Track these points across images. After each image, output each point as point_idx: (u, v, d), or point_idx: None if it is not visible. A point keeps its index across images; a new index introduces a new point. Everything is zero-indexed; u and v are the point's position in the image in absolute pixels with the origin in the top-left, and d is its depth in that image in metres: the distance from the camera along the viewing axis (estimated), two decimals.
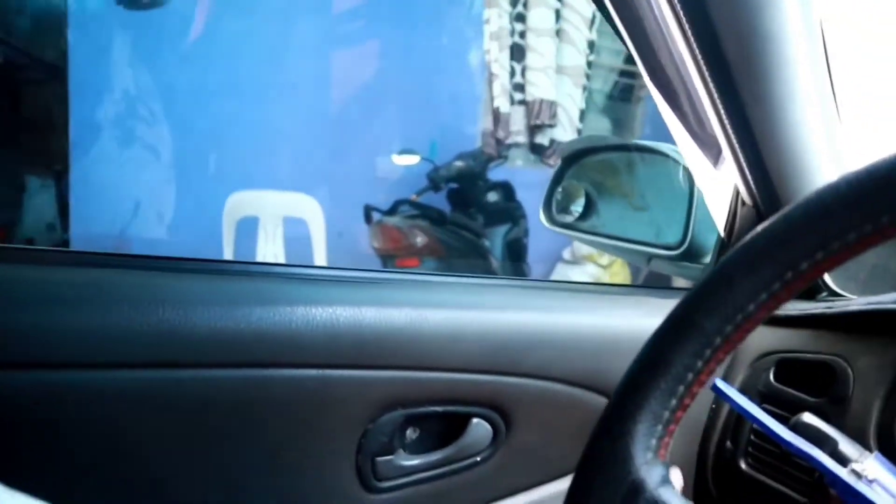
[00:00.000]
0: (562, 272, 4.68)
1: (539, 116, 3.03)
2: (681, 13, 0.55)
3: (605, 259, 4.00)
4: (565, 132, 3.30)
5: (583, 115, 3.16)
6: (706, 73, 0.60)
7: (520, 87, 3.14)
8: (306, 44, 4.23)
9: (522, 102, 3.23)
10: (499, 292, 0.69)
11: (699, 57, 0.59)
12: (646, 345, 0.36)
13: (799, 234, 0.32)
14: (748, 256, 0.33)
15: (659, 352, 0.35)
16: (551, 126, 3.10)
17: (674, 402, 0.35)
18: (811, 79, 0.60)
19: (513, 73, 3.21)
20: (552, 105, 3.05)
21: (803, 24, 0.57)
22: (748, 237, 0.34)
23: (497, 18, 3.21)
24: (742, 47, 0.55)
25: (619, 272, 4.45)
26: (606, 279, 4.56)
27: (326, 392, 0.55)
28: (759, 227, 0.34)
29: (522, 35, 3.14)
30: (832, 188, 0.32)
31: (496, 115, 3.26)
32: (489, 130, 3.28)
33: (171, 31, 4.03)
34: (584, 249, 4.02)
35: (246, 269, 0.59)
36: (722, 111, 0.63)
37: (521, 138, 3.28)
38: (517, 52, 3.22)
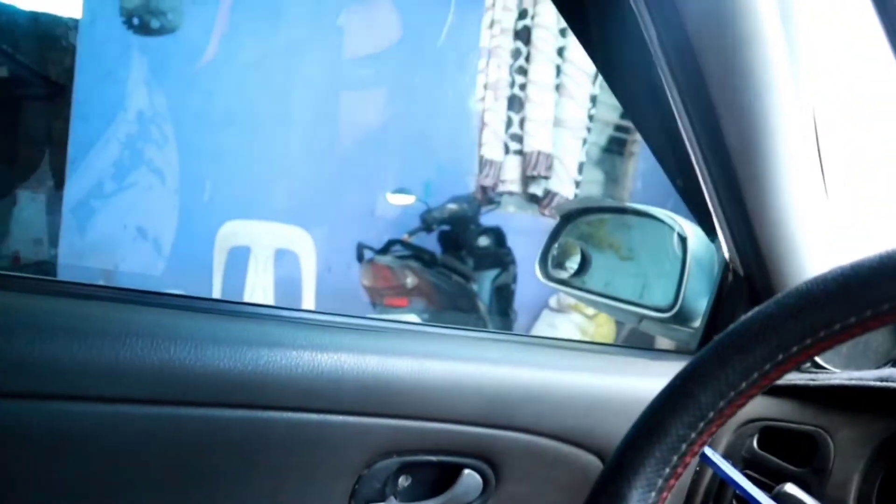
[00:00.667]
0: (548, 319, 4.70)
1: (536, 167, 3.08)
2: (685, 101, 0.58)
3: (590, 310, 4.03)
4: (561, 183, 3.35)
5: (581, 168, 3.22)
6: (705, 153, 0.64)
7: (517, 138, 3.20)
8: (312, 81, 4.30)
9: (519, 153, 3.29)
10: (496, 347, 0.70)
11: (699, 137, 0.63)
12: (644, 412, 0.38)
13: (790, 321, 0.35)
14: (743, 338, 0.36)
15: (657, 420, 0.37)
16: (546, 178, 3.15)
17: (668, 470, 0.37)
18: (802, 161, 0.64)
19: (509, 124, 3.27)
20: (549, 157, 3.11)
21: (797, 110, 0.61)
22: (744, 318, 0.37)
23: (496, 70, 3.29)
24: (740, 132, 0.59)
25: (604, 324, 4.48)
26: (591, 329, 4.59)
27: (325, 437, 0.57)
28: (754, 311, 0.37)
29: (523, 87, 3.21)
30: (821, 281, 0.35)
31: (482, 163, 3.32)
32: (479, 177, 3.34)
33: (179, 58, 4.10)
34: (571, 299, 4.05)
35: (256, 312, 0.60)
36: (717, 188, 0.66)
37: (515, 187, 3.32)
38: (515, 104, 3.28)
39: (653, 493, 0.37)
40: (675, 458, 0.37)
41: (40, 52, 6.21)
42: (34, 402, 0.49)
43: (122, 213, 4.09)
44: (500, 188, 3.36)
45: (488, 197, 3.62)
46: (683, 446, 0.37)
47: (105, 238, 4.07)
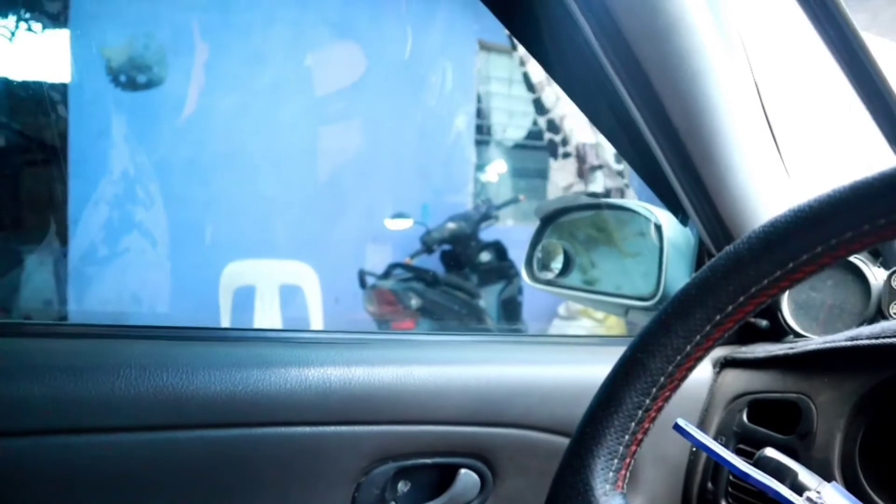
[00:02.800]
0: (558, 328, 4.70)
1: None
2: (630, 91, 0.61)
3: (600, 313, 4.03)
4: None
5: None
6: (659, 140, 0.66)
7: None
8: (299, 116, 4.37)
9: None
10: (481, 348, 0.73)
11: (650, 124, 0.65)
12: (601, 386, 0.41)
13: (722, 282, 0.37)
14: (683, 304, 0.38)
15: (612, 391, 0.40)
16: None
17: (627, 437, 0.39)
18: (753, 138, 0.66)
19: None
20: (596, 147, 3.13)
21: (738, 88, 0.64)
22: (682, 288, 0.39)
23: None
24: (686, 115, 0.62)
25: (616, 325, 4.47)
26: (602, 332, 4.58)
27: (320, 448, 0.59)
28: (692, 277, 0.39)
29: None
30: (746, 240, 0.37)
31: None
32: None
33: (167, 109, 4.17)
34: (579, 305, 4.07)
35: (243, 335, 0.63)
36: (676, 172, 0.69)
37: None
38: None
39: (615, 461, 0.39)
40: (633, 424, 0.39)
41: (34, 119, 6.33)
42: (37, 437, 0.52)
43: (126, 270, 4.15)
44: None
45: (485, 212, 3.64)
46: (640, 413, 0.39)
47: (113, 295, 4.12)
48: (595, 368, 0.74)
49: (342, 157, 4.42)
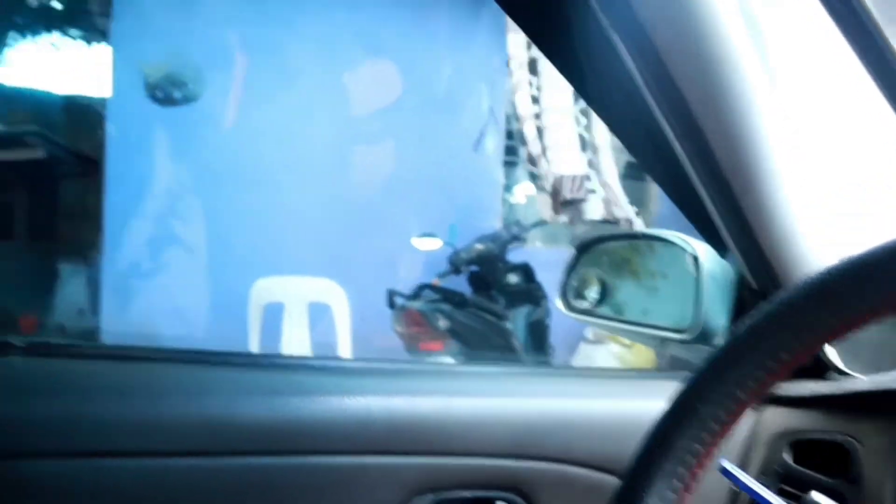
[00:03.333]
0: (585, 352, 4.66)
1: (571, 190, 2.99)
2: (672, 125, 0.61)
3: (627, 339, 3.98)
4: (612, 205, 3.23)
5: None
6: (700, 173, 0.66)
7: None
8: (330, 134, 4.42)
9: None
10: (521, 380, 0.72)
11: (692, 159, 0.65)
12: (651, 429, 0.40)
13: (776, 329, 0.36)
14: (735, 349, 0.38)
15: (662, 435, 0.39)
16: (582, 200, 3.05)
17: (676, 482, 0.38)
18: (794, 170, 0.66)
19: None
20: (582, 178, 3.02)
21: (780, 123, 0.63)
22: (734, 332, 0.39)
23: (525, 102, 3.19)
24: (728, 150, 0.61)
25: (643, 350, 4.42)
26: (630, 358, 4.53)
27: (360, 477, 0.59)
28: (743, 322, 0.38)
29: (537, 116, 3.11)
30: (801, 287, 0.37)
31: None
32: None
33: (202, 125, 4.26)
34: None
35: (285, 362, 0.64)
36: (717, 206, 0.68)
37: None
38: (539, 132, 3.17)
39: None
40: (684, 470, 0.38)
41: (73, 132, 6.50)
42: (82, 459, 0.53)
43: (158, 282, 4.21)
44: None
45: (514, 234, 3.63)
46: (691, 458, 0.38)
47: (145, 306, 4.18)
48: (636, 403, 0.73)
49: (371, 175, 4.45)
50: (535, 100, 3.29)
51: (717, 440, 0.38)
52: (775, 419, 0.73)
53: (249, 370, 0.61)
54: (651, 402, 0.74)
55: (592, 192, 2.99)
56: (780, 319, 0.36)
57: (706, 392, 0.38)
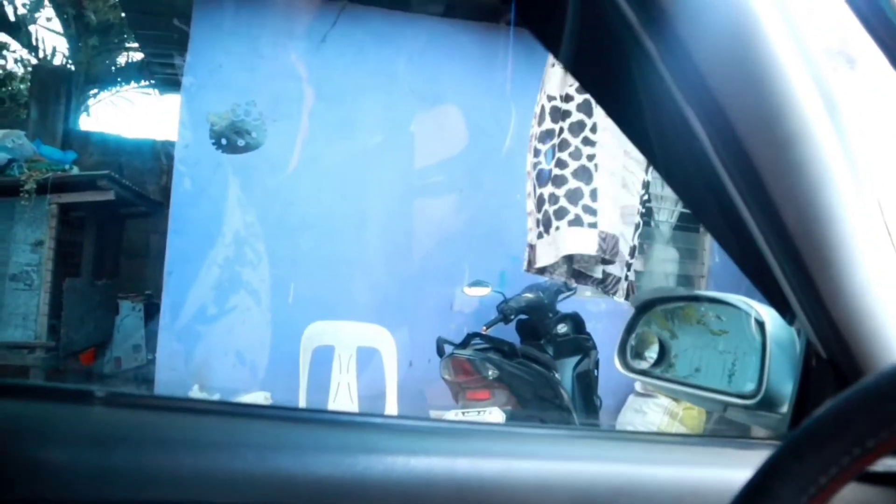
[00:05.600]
0: (634, 404, 4.55)
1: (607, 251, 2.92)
2: (743, 194, 0.61)
3: None
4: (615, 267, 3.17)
5: (633, 252, 3.04)
6: (769, 241, 0.66)
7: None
8: (388, 183, 4.52)
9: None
10: (581, 443, 0.72)
11: (761, 226, 0.65)
12: None
13: (862, 414, 0.36)
14: (817, 432, 0.37)
15: None
16: (612, 261, 2.97)
17: None
18: (872, 242, 0.65)
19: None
20: (616, 239, 2.94)
21: (858, 195, 0.63)
22: (816, 414, 0.38)
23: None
24: (801, 222, 0.61)
25: (692, 406, 4.29)
26: (679, 412, 4.40)
27: None
28: (826, 405, 0.38)
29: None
30: (890, 373, 0.36)
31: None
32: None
33: (263, 171, 4.41)
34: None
35: (352, 420, 0.65)
36: (786, 273, 0.67)
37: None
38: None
39: None
40: None
41: (141, 175, 6.79)
42: None
43: (215, 323, 4.31)
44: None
45: (564, 283, 3.60)
46: None
47: (198, 345, 4.28)
48: (697, 471, 0.72)
49: (426, 223, 4.52)
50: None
51: None
52: (849, 495, 0.70)
53: (318, 426, 0.62)
54: (716, 470, 0.72)
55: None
56: (870, 404, 0.36)
57: (787, 475, 0.37)
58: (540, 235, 2.87)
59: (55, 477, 0.54)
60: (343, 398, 3.13)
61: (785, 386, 0.82)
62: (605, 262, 2.90)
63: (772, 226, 0.63)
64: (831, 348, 0.73)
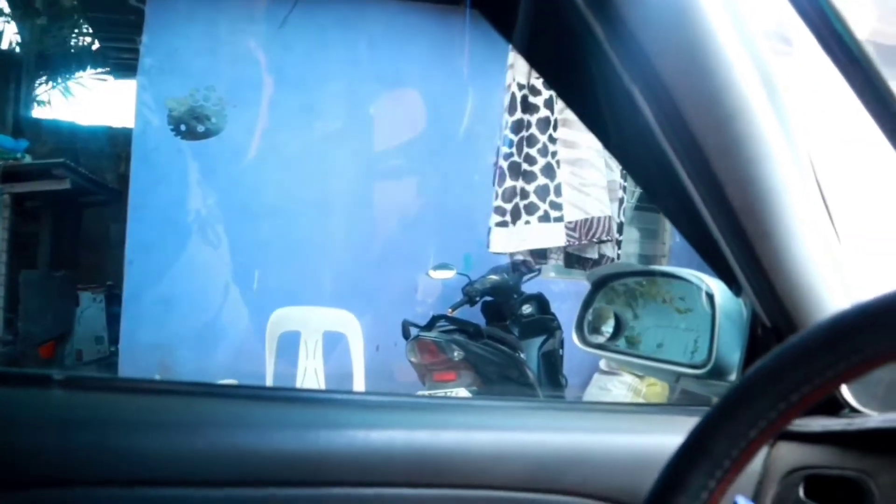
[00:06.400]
0: (599, 382, 4.64)
1: (598, 232, 2.96)
2: (688, 169, 0.64)
3: None
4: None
5: (620, 228, 3.11)
6: (714, 215, 0.69)
7: (556, 206, 3.04)
8: (350, 167, 4.49)
9: (559, 220, 3.07)
10: (539, 414, 0.74)
11: (706, 201, 0.68)
12: (665, 466, 0.42)
13: (788, 371, 0.39)
14: (748, 391, 0.40)
15: (677, 473, 0.41)
16: (609, 240, 3.02)
17: None
18: (808, 211, 0.68)
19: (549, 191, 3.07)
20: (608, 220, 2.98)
21: (795, 165, 0.66)
22: (747, 373, 0.41)
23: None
24: (743, 195, 0.64)
25: (656, 382, 4.39)
26: (643, 388, 4.50)
27: None
28: (756, 364, 0.41)
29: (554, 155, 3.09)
30: (812, 331, 0.39)
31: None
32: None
33: (224, 157, 4.35)
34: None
35: (314, 397, 0.66)
36: (731, 246, 0.71)
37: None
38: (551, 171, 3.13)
39: None
40: None
41: (98, 163, 6.63)
42: (121, 489, 0.56)
43: (176, 311, 4.26)
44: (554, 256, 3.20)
45: (528, 265, 3.64)
46: (704, 494, 0.40)
47: (162, 335, 4.23)
48: (651, 437, 0.75)
49: (389, 207, 4.51)
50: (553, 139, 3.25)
51: (729, 477, 0.40)
52: (789, 455, 0.74)
53: (281, 404, 0.63)
54: (666, 436, 0.76)
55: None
56: (792, 362, 0.38)
57: (719, 431, 0.40)
58: (504, 224, 2.95)
59: (19, 460, 0.54)
60: (310, 383, 3.13)
61: (734, 355, 0.86)
62: (600, 242, 2.98)
63: (716, 201, 0.66)
64: (775, 317, 0.76)
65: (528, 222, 2.93)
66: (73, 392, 0.61)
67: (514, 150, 2.96)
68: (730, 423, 0.40)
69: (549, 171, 2.92)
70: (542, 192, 2.92)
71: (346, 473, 0.60)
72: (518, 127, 2.97)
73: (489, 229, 3.05)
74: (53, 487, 0.55)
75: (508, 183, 2.95)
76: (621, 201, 3.02)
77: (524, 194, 2.93)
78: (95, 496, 0.56)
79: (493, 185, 3.07)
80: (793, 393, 0.38)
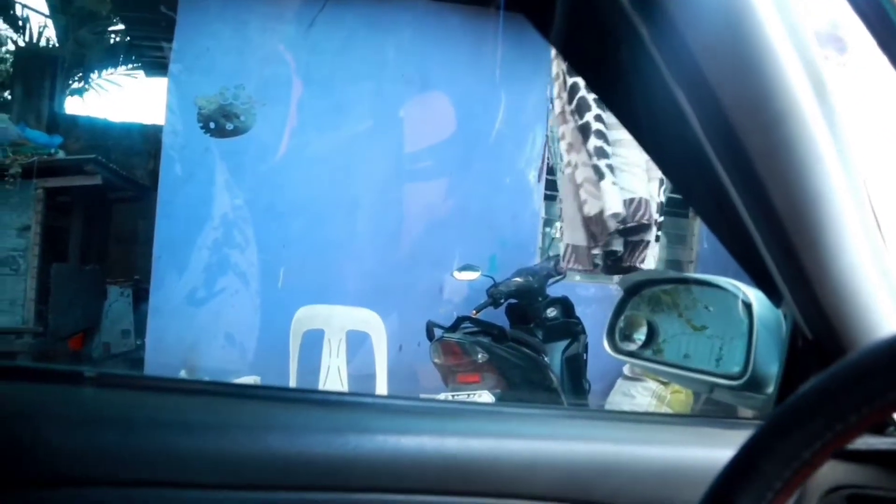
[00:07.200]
0: (623, 388, 4.59)
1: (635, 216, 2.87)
2: (731, 174, 0.62)
3: None
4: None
5: (661, 209, 3.00)
6: (758, 222, 0.66)
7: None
8: (378, 168, 4.50)
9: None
10: (570, 423, 0.73)
11: (750, 208, 0.66)
12: (711, 485, 0.40)
13: (844, 391, 0.37)
14: (801, 409, 0.38)
15: (724, 493, 0.39)
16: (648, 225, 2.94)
17: None
18: (859, 223, 0.65)
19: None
20: (647, 203, 2.89)
21: (844, 176, 0.63)
22: (801, 390, 0.39)
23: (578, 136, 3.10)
24: (789, 202, 0.62)
25: (681, 389, 4.33)
26: (667, 395, 4.44)
27: None
28: (810, 382, 0.39)
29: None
30: (872, 350, 0.37)
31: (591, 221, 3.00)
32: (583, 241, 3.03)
33: (252, 155, 4.38)
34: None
35: (342, 399, 0.65)
36: (774, 255, 0.68)
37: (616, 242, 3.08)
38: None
39: None
40: None
41: (128, 159, 6.73)
42: (147, 489, 0.55)
43: (204, 307, 4.29)
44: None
45: (553, 267, 3.60)
46: None
47: (188, 330, 4.27)
48: (683, 450, 0.73)
49: (416, 208, 4.51)
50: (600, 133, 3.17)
51: (780, 500, 0.38)
52: (830, 472, 0.72)
53: (309, 406, 0.62)
54: (698, 449, 0.74)
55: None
56: (852, 381, 0.36)
57: (772, 450, 0.38)
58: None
59: (46, 457, 0.54)
60: (333, 382, 3.13)
61: (771, 367, 0.83)
62: (627, 232, 2.91)
63: (760, 207, 0.64)
64: (817, 329, 0.74)
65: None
66: (101, 389, 0.61)
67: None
68: (784, 443, 0.38)
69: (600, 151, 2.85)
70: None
71: (375, 479, 0.59)
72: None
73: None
74: (80, 486, 0.54)
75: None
76: (661, 181, 2.93)
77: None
78: (121, 496, 0.55)
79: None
80: (851, 414, 0.36)
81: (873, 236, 0.68)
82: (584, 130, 2.90)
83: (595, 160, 2.86)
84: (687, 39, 0.55)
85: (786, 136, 0.58)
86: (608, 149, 2.85)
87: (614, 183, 2.83)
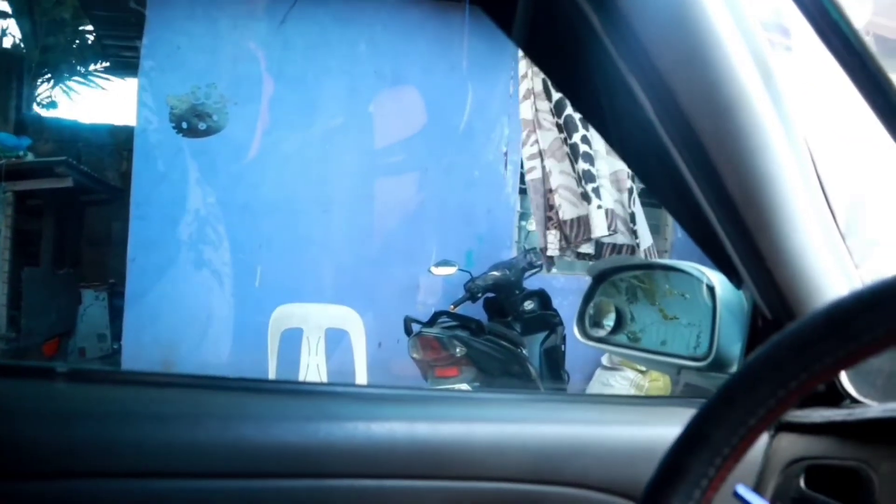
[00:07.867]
0: (601, 377, 4.64)
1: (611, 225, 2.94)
2: (687, 161, 0.64)
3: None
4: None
5: (633, 218, 3.06)
6: (714, 207, 0.69)
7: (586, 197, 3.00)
8: (351, 164, 4.49)
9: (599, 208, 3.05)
10: (539, 406, 0.74)
11: (706, 193, 0.68)
12: (665, 455, 0.42)
13: (786, 359, 0.39)
14: (747, 378, 0.40)
15: (676, 461, 0.41)
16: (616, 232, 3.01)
17: None
18: (808, 204, 0.68)
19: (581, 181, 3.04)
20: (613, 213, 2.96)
21: (794, 158, 0.66)
22: (747, 361, 0.41)
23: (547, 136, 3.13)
24: (742, 186, 0.64)
25: (659, 378, 4.39)
26: (646, 383, 4.50)
27: (384, 501, 0.61)
28: (755, 353, 0.41)
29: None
30: (811, 318, 0.39)
31: (562, 224, 3.07)
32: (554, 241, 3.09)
33: (225, 154, 4.35)
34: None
35: (314, 389, 0.67)
36: (731, 238, 0.71)
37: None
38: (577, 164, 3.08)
39: None
40: (698, 492, 0.40)
41: (100, 161, 6.63)
42: (122, 480, 0.56)
43: (179, 308, 4.26)
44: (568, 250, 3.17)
45: (530, 261, 3.63)
46: (704, 482, 0.40)
47: (165, 333, 4.23)
48: (651, 429, 0.75)
49: (390, 204, 4.51)
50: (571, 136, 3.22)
51: (728, 465, 0.40)
52: (790, 445, 0.74)
53: (280, 396, 0.63)
54: (666, 428, 0.76)
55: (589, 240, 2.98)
56: (790, 350, 0.38)
57: (718, 419, 0.40)
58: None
59: (21, 453, 0.55)
60: (313, 380, 3.13)
61: (734, 347, 0.86)
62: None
63: (715, 192, 0.66)
64: (775, 308, 0.76)
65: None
66: (75, 384, 0.62)
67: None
68: (729, 411, 0.40)
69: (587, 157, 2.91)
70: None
71: (346, 465, 0.60)
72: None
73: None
74: (55, 479, 0.55)
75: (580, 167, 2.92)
76: (630, 191, 2.98)
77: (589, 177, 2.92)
78: (96, 488, 0.56)
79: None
80: (791, 381, 0.38)
81: (824, 217, 0.71)
82: (573, 150, 2.93)
83: (584, 185, 2.90)
84: (638, 30, 0.57)
85: (736, 123, 0.60)
86: (593, 170, 2.90)
87: (599, 206, 2.89)
